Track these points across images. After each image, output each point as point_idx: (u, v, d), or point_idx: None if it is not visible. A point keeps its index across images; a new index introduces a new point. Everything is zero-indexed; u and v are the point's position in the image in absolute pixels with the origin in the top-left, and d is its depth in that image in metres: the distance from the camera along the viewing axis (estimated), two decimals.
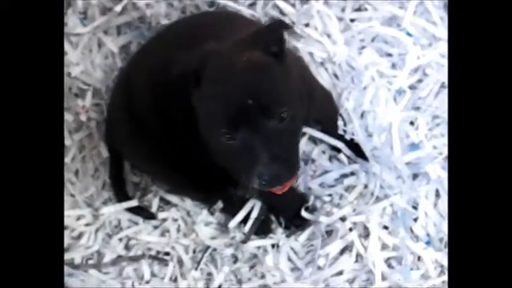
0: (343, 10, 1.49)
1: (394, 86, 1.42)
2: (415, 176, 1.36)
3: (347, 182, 1.38)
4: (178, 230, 1.43)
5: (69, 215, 1.44)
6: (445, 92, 1.41)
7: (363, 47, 1.46)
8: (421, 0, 1.46)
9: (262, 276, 1.35)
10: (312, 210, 1.37)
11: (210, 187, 1.36)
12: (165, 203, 1.45)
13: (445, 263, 1.28)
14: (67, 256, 1.40)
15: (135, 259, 1.40)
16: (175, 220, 1.44)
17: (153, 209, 1.44)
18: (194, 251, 1.40)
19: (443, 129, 1.39)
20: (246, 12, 1.48)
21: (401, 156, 1.35)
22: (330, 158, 1.42)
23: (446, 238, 1.30)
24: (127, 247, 1.43)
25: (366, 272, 1.31)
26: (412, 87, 1.42)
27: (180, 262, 1.39)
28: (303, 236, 1.37)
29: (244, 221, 1.37)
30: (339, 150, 1.40)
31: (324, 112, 1.37)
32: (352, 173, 1.39)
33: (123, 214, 1.44)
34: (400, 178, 1.35)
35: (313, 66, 1.43)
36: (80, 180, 1.48)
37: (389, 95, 1.41)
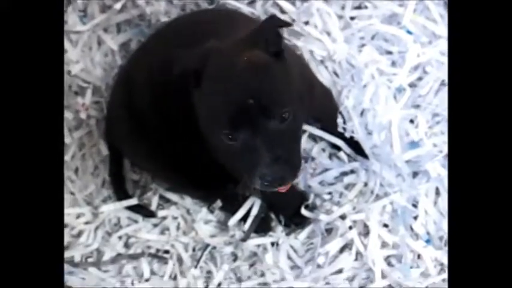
0: (343, 8, 1.48)
1: (394, 84, 1.41)
2: (415, 174, 1.36)
3: (347, 180, 1.38)
4: (178, 228, 1.43)
5: (69, 213, 1.43)
6: (445, 90, 1.41)
7: (363, 45, 1.46)
8: None
9: (262, 274, 1.35)
10: (311, 208, 1.37)
11: (210, 185, 1.36)
12: (165, 201, 1.45)
13: (445, 261, 1.28)
14: (67, 254, 1.40)
15: (134, 257, 1.40)
16: (175, 218, 1.43)
17: (153, 207, 1.44)
18: (194, 249, 1.40)
19: (443, 127, 1.39)
20: (246, 9, 1.48)
21: (401, 154, 1.35)
22: (330, 156, 1.42)
23: (446, 236, 1.30)
24: (126, 245, 1.43)
25: (366, 270, 1.31)
26: (412, 85, 1.42)
27: (180, 260, 1.39)
28: (303, 234, 1.37)
29: (244, 219, 1.37)
30: (338, 148, 1.40)
31: (324, 110, 1.37)
32: (352, 171, 1.39)
33: (122, 212, 1.44)
34: (400, 176, 1.34)
35: (313, 64, 1.43)
36: (79, 178, 1.48)
37: (389, 93, 1.41)
